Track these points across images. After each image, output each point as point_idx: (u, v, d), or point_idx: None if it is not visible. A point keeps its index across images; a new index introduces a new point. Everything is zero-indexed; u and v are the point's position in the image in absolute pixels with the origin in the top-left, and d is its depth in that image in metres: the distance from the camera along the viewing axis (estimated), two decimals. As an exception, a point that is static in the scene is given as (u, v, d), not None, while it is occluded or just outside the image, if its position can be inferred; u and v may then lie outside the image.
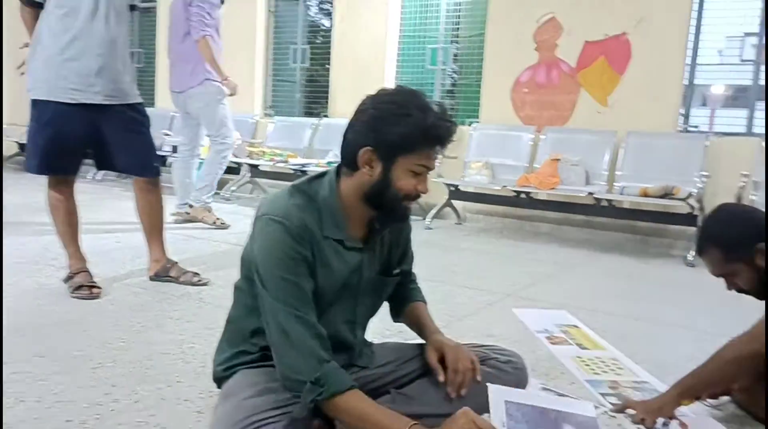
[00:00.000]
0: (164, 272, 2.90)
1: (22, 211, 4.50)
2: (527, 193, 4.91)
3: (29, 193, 4.87)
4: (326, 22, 7.46)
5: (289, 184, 1.43)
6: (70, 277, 2.67)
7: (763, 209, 1.81)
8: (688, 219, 4.30)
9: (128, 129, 2.68)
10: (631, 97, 4.93)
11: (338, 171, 1.40)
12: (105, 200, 5.48)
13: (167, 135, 6.05)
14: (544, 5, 5.23)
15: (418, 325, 1.58)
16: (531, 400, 1.42)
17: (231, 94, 4.43)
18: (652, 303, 3.07)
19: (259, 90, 7.06)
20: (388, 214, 1.39)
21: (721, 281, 1.72)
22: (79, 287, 2.61)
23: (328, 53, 6.50)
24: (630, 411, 1.72)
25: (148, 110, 2.85)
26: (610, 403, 1.81)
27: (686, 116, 5.38)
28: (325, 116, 6.46)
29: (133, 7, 2.80)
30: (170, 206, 4.00)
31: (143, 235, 2.91)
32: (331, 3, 6.55)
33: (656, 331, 2.61)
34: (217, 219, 4.53)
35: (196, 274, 2.94)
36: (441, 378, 1.42)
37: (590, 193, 4.57)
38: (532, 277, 3.53)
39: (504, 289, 3.17)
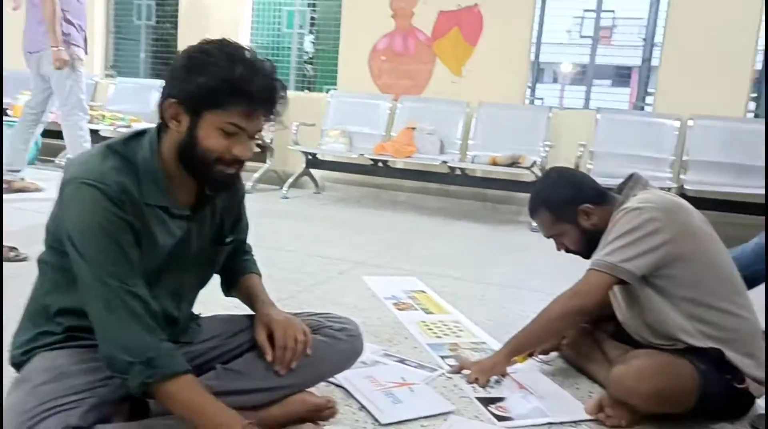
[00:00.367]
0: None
1: None
2: (384, 162, 4.92)
3: None
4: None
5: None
6: None
7: (591, 176, 1.90)
8: (533, 186, 4.51)
9: None
10: (483, 69, 5.07)
11: (159, 129, 1.24)
12: None
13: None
14: (400, -28, 5.21)
15: (250, 298, 1.47)
16: None
17: (57, 67, 4.03)
18: (498, 267, 3.18)
19: (100, 48, 6.45)
20: (203, 179, 1.24)
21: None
22: None
23: (177, 11, 6.07)
24: (465, 372, 1.75)
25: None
26: (448, 365, 1.83)
27: (533, 89, 5.66)
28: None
29: None
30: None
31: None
32: (179, -44, 6.10)
33: (499, 293, 2.70)
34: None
35: (13, 248, 2.62)
36: (269, 357, 1.33)
37: (444, 162, 4.66)
38: (386, 244, 3.53)
39: (357, 257, 3.14)
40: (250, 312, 1.51)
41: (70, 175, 1.17)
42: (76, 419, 1.11)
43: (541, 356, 1.92)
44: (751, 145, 4.31)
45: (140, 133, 1.25)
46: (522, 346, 1.72)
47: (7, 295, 2.22)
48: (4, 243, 2.62)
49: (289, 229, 3.80)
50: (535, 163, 4.40)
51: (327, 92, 5.48)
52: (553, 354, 1.94)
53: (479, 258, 3.38)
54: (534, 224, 4.24)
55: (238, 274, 1.50)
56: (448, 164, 4.67)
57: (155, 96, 5.89)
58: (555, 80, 18.80)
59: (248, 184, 5.09)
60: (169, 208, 1.24)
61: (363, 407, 1.54)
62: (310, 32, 6.17)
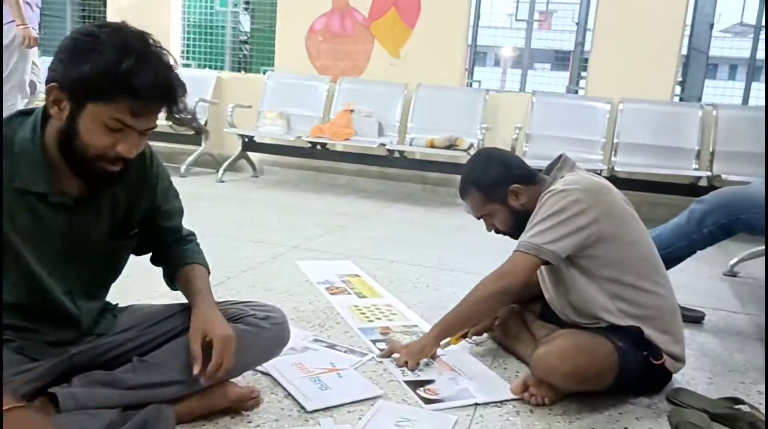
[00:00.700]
0: None
1: None
2: (323, 145, 4.86)
3: None
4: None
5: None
6: None
7: (526, 158, 1.91)
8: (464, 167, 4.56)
9: None
10: (421, 51, 5.05)
11: (45, 111, 1.14)
12: None
13: None
14: (337, -49, 5.12)
15: (188, 292, 1.38)
16: None
17: (27, 45, 3.83)
18: (434, 249, 3.20)
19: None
20: (83, 173, 1.14)
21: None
22: None
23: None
24: (396, 355, 1.74)
25: None
26: (379, 349, 1.82)
27: (471, 72, 5.69)
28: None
29: None
30: None
31: None
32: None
33: (434, 275, 2.72)
34: None
35: None
36: (196, 370, 1.25)
37: (382, 145, 4.64)
38: (323, 228, 3.50)
39: (292, 241, 3.09)
40: (169, 301, 1.45)
41: None
42: None
43: (474, 338, 1.93)
44: (678, 128, 4.47)
45: (27, 112, 1.17)
46: (451, 328, 1.73)
47: None
48: None
49: (223, 214, 3.71)
50: (472, 145, 4.43)
51: (264, 73, 5.35)
52: (485, 336, 1.97)
53: (416, 241, 3.39)
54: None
55: (176, 264, 1.41)
56: (387, 147, 4.65)
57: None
58: (497, 64, 19.04)
59: (182, 168, 4.95)
60: (47, 196, 1.15)
61: (289, 395, 1.51)
62: (246, 11, 6.00)
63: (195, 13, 5.73)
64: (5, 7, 3.72)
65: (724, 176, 4.00)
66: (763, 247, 3.16)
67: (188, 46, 5.87)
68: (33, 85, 4.08)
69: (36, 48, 3.98)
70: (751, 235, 2.38)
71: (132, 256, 1.39)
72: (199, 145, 5.10)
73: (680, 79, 5.29)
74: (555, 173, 1.72)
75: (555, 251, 1.58)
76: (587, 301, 1.65)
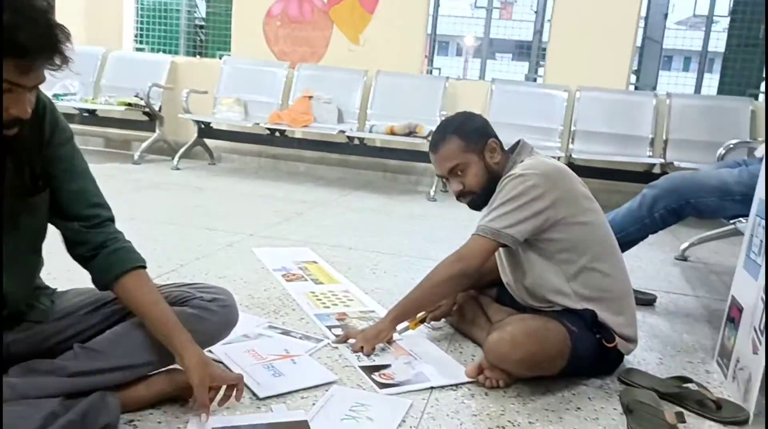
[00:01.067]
0: None
1: None
2: (281, 132, 4.80)
3: None
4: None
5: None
6: None
7: None
8: (428, 156, 4.56)
9: None
10: (381, 38, 5.02)
11: None
12: None
13: None
14: (295, -65, 5.03)
15: (160, 327, 1.24)
16: (239, 420, 1.29)
17: None
18: (393, 236, 3.19)
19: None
20: None
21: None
22: None
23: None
24: (351, 341, 1.73)
25: None
26: (335, 335, 1.80)
27: (431, 60, 5.68)
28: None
29: None
30: None
31: None
32: None
33: (392, 262, 2.70)
34: None
35: None
36: (204, 420, 1.22)
37: (342, 131, 4.60)
38: (281, 216, 3.45)
39: (248, 229, 3.04)
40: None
41: None
42: None
43: (432, 323, 1.93)
44: (633, 116, 4.55)
45: None
46: (407, 312, 1.72)
47: None
48: None
49: (177, 202, 3.62)
50: (431, 132, 4.42)
51: (220, 58, 5.24)
52: (444, 320, 1.96)
53: (375, 228, 3.37)
54: (432, 194, 4.35)
55: (112, 268, 1.24)
56: (346, 134, 4.61)
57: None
58: (459, 54, 19.13)
59: (136, 155, 4.82)
60: None
61: (241, 382, 1.48)
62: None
63: (149, -5, 5.58)
64: None
65: (676, 163, 4.09)
66: (713, 231, 3.25)
67: (142, 29, 5.70)
68: None
69: None
70: (700, 219, 2.43)
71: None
72: (153, 131, 4.98)
73: (635, 68, 5.37)
74: (514, 157, 1.72)
75: (513, 235, 1.59)
76: (544, 283, 1.65)
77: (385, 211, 3.93)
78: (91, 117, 5.05)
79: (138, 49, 5.75)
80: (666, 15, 6.06)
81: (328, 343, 1.75)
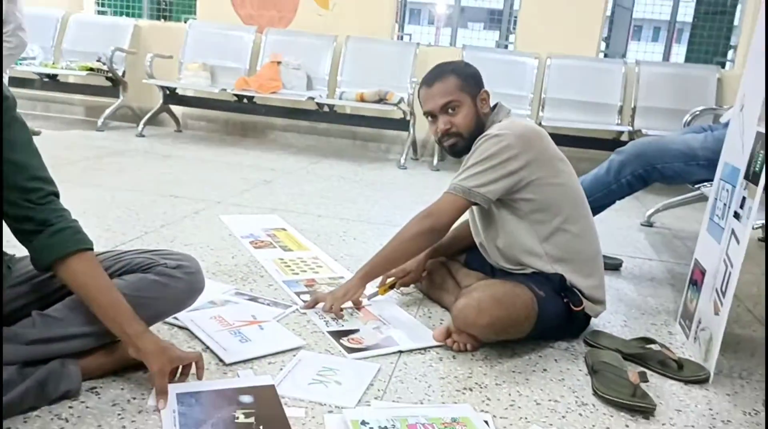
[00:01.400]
0: None
1: None
2: (250, 98, 4.70)
3: None
4: None
5: None
6: None
7: None
8: (401, 124, 4.54)
9: None
10: (351, 2, 4.92)
11: None
12: None
13: None
14: None
15: (112, 314, 1.19)
16: (205, 386, 1.28)
17: None
18: (362, 203, 3.16)
19: None
20: None
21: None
22: None
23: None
24: (320, 305, 1.72)
25: None
26: (303, 301, 1.79)
27: (402, 27, 5.59)
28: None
29: None
30: None
31: None
32: None
33: (362, 229, 2.69)
34: None
35: None
36: (162, 407, 1.18)
37: (311, 98, 4.53)
38: (249, 183, 3.40)
39: (215, 197, 2.99)
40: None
41: None
42: None
43: (402, 289, 1.93)
44: (602, 84, 4.56)
45: None
46: (376, 269, 1.72)
47: None
48: None
49: (142, 169, 3.54)
50: (402, 99, 4.38)
51: (185, 22, 5.08)
52: (413, 286, 1.96)
53: (344, 196, 3.34)
54: (402, 162, 4.33)
55: (53, 242, 1.16)
56: (316, 101, 4.54)
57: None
58: (431, 22, 18.95)
59: (99, 121, 4.68)
60: None
61: (207, 348, 1.46)
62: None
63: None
64: None
65: (644, 130, 4.12)
66: (678, 198, 3.30)
67: (103, -9, 5.50)
68: None
69: None
70: (666, 184, 2.46)
71: None
72: (117, 97, 4.84)
73: (605, 36, 5.38)
74: (492, 118, 1.72)
75: (484, 194, 1.59)
76: (516, 243, 1.66)
77: (354, 179, 3.90)
78: (52, 82, 4.87)
79: (100, 12, 5.55)
80: (636, -17, 6.05)
81: (297, 309, 1.74)
